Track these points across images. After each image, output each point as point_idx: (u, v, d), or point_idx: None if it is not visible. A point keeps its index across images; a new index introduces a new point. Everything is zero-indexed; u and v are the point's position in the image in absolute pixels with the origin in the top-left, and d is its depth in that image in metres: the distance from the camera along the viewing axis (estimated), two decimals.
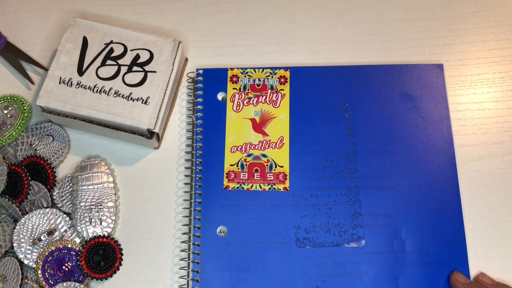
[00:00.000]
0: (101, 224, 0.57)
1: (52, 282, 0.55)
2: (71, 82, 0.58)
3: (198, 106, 0.62)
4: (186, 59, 0.65)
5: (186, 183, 0.60)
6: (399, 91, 0.62)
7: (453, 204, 0.58)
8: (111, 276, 0.56)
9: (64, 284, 0.55)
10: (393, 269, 0.55)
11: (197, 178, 0.59)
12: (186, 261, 0.57)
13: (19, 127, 0.61)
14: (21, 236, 0.56)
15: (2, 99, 0.63)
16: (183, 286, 0.56)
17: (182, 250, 0.57)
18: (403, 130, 0.60)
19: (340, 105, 0.61)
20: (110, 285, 0.57)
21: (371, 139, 0.60)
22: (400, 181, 0.58)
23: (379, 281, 0.55)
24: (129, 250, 0.58)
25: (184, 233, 0.58)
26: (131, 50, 0.60)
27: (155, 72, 0.59)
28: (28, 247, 0.56)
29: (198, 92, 0.62)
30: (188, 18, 0.67)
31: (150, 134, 0.58)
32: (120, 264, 0.57)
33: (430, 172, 0.59)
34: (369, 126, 0.60)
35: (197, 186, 0.59)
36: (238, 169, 0.59)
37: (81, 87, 0.58)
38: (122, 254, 0.57)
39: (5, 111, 0.62)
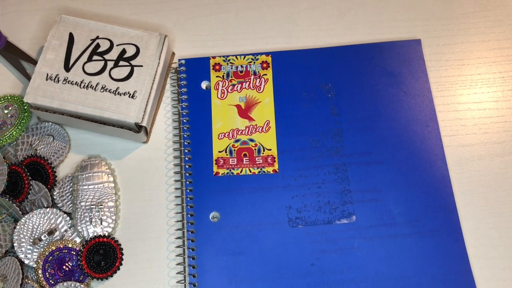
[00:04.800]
0: (101, 223, 0.57)
1: (52, 282, 0.55)
2: (58, 78, 0.59)
3: (183, 96, 0.63)
4: (173, 53, 0.65)
5: (176, 172, 0.60)
6: (379, 68, 0.63)
7: (440, 173, 0.59)
8: (111, 276, 0.56)
9: (65, 284, 0.55)
10: (385, 241, 0.56)
11: (187, 166, 0.60)
12: (181, 247, 0.57)
13: (19, 127, 0.61)
14: (21, 236, 0.56)
15: (2, 99, 0.63)
16: (180, 273, 0.56)
17: (177, 238, 0.58)
18: (386, 105, 0.62)
19: (323, 86, 0.62)
20: (111, 285, 0.57)
21: (355, 117, 0.61)
22: (386, 155, 0.59)
23: (373, 254, 0.56)
24: (129, 249, 0.58)
25: (178, 221, 0.58)
26: (117, 45, 0.60)
27: (142, 66, 0.59)
28: (28, 247, 0.56)
29: (182, 82, 0.63)
30: (188, 18, 0.67)
31: (138, 128, 0.58)
32: (121, 264, 0.57)
33: (415, 144, 0.60)
34: (352, 104, 0.62)
35: (187, 174, 0.59)
36: (227, 155, 0.60)
37: (68, 82, 0.58)
38: (122, 254, 0.57)
39: (5, 111, 0.62)
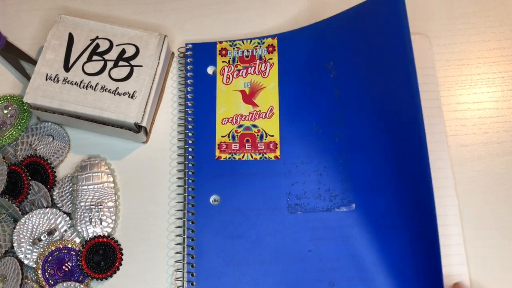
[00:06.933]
0: (101, 224, 0.57)
1: (52, 282, 0.55)
2: (58, 78, 0.59)
3: (189, 80, 0.63)
4: (173, 54, 0.65)
5: (179, 154, 0.61)
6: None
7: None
8: (111, 276, 0.56)
9: (64, 284, 0.55)
10: (384, 231, 0.56)
11: (190, 150, 0.60)
12: (181, 228, 0.57)
13: (19, 127, 0.61)
14: (21, 236, 0.56)
15: (2, 99, 0.63)
16: (178, 253, 0.57)
17: (177, 218, 0.58)
18: None
19: (325, 65, 0.61)
20: (110, 285, 0.57)
21: (357, 99, 0.59)
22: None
23: (370, 244, 0.55)
24: (129, 250, 0.58)
25: (178, 202, 0.59)
26: (117, 45, 0.60)
27: (141, 66, 0.59)
28: (28, 247, 0.56)
29: (188, 66, 0.63)
30: (188, 18, 0.67)
31: (137, 128, 0.58)
32: (120, 264, 0.57)
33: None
34: (355, 86, 0.59)
35: (190, 157, 0.60)
36: (230, 140, 0.60)
37: (68, 83, 0.59)
38: (122, 254, 0.57)
39: (5, 111, 0.62)
